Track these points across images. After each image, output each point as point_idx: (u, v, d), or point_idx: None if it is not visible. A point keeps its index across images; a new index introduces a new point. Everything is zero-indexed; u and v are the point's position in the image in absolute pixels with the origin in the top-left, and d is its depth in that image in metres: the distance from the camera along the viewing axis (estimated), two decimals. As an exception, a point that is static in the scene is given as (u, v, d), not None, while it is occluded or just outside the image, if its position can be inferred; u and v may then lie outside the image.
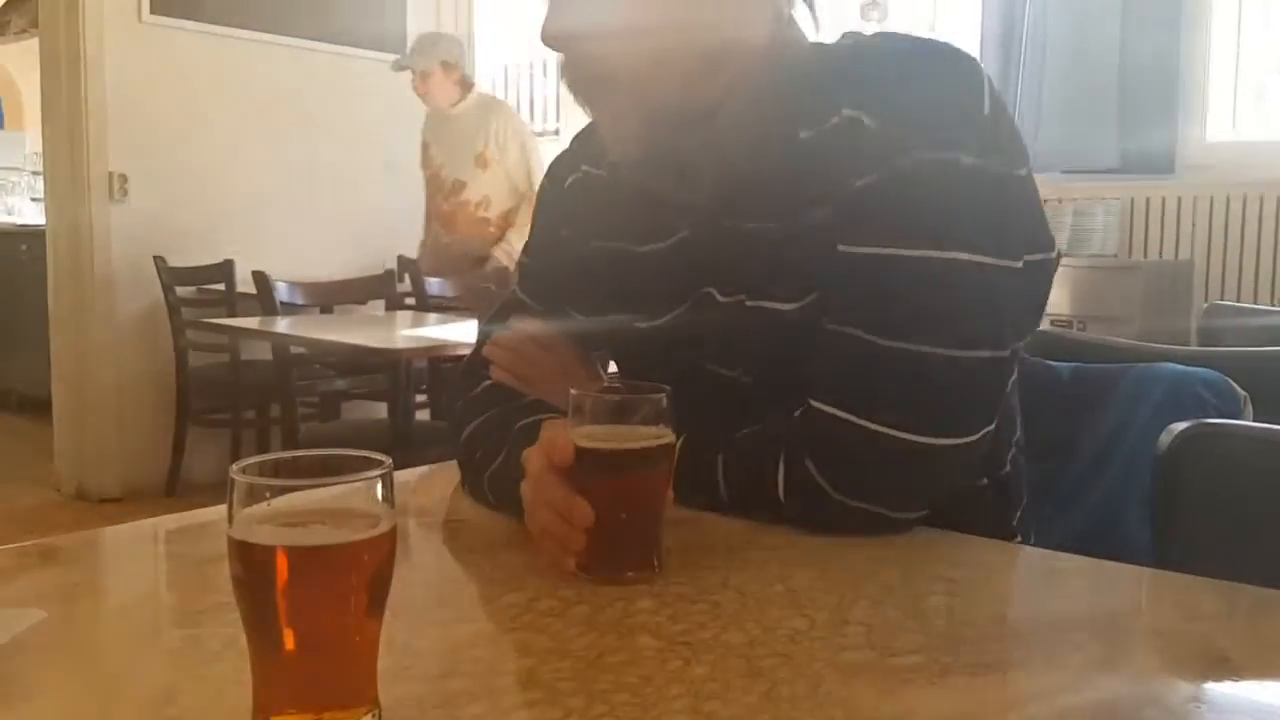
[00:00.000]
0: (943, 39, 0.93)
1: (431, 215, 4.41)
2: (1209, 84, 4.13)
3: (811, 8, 0.97)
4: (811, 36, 0.98)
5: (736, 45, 0.93)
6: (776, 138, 0.92)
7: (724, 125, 0.93)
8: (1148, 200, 4.12)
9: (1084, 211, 4.11)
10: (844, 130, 0.88)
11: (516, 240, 4.09)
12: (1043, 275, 0.95)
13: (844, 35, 0.98)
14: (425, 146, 4.41)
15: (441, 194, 4.35)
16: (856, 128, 0.87)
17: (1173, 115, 4.05)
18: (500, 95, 8.17)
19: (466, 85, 4.37)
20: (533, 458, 0.79)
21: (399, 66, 4.33)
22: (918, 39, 0.93)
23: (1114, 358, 1.23)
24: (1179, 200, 4.06)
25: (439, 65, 4.23)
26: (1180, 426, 0.94)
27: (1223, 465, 0.93)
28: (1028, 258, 0.90)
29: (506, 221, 4.28)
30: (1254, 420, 1.08)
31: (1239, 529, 0.93)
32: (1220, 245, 3.98)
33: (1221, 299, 3.79)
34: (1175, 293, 3.95)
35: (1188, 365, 1.14)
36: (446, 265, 4.27)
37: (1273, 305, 3.35)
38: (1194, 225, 4.02)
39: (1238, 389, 1.09)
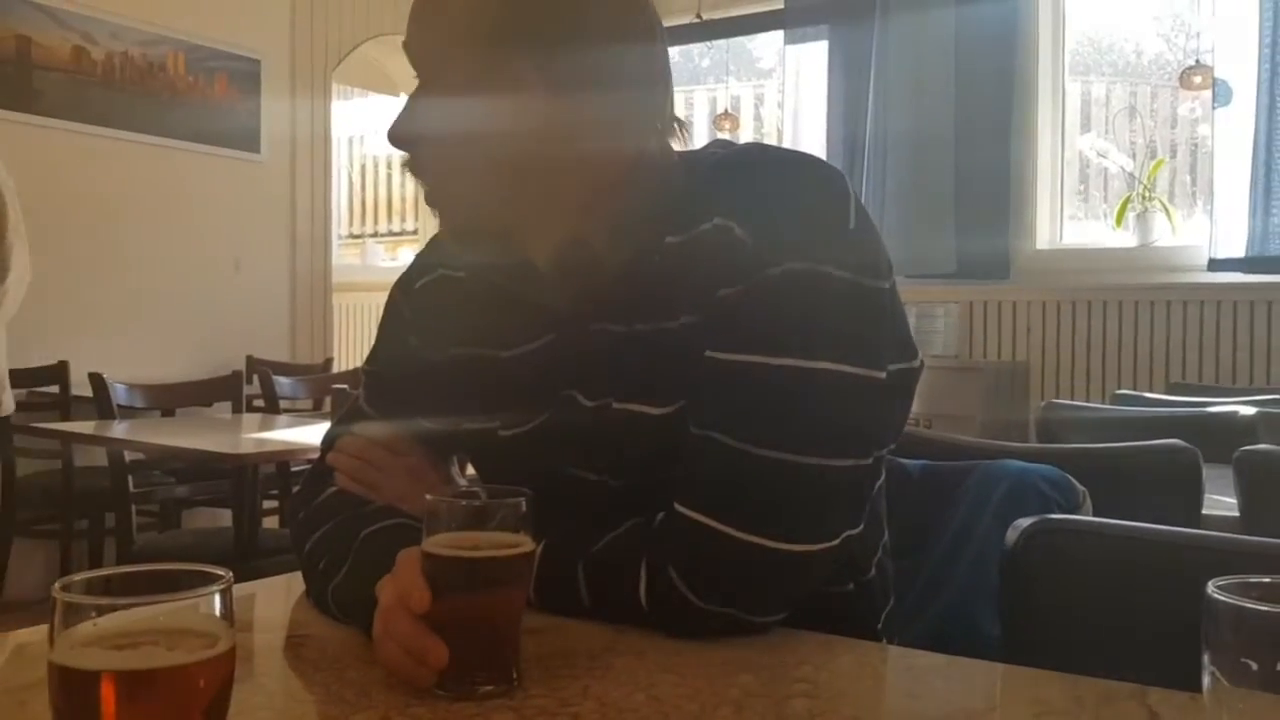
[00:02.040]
0: (809, 152, 0.96)
1: None
2: (1037, 194, 4.42)
3: (680, 127, 0.98)
4: (679, 147, 0.99)
5: (599, 156, 0.93)
6: (644, 242, 0.93)
7: (591, 229, 0.93)
8: (985, 304, 4.34)
9: (926, 314, 4.30)
10: (713, 237, 0.88)
11: None
12: (907, 384, 0.97)
13: (712, 143, 1.00)
14: None
15: None
16: (727, 236, 0.88)
17: (1004, 223, 4.32)
18: (358, 195, 7.82)
19: None
20: (386, 589, 0.75)
21: None
22: (787, 151, 0.95)
23: (961, 455, 1.27)
24: (1014, 304, 4.29)
25: None
26: (1025, 523, 0.97)
27: (1065, 560, 0.97)
28: (892, 367, 0.92)
29: None
30: (1092, 514, 1.12)
31: (1083, 622, 0.96)
32: (1053, 346, 4.22)
33: (1056, 396, 4.00)
34: (1013, 391, 4.15)
35: (1029, 461, 1.18)
36: None
37: (1102, 402, 3.55)
38: (1028, 327, 4.26)
39: (1077, 484, 1.14)
